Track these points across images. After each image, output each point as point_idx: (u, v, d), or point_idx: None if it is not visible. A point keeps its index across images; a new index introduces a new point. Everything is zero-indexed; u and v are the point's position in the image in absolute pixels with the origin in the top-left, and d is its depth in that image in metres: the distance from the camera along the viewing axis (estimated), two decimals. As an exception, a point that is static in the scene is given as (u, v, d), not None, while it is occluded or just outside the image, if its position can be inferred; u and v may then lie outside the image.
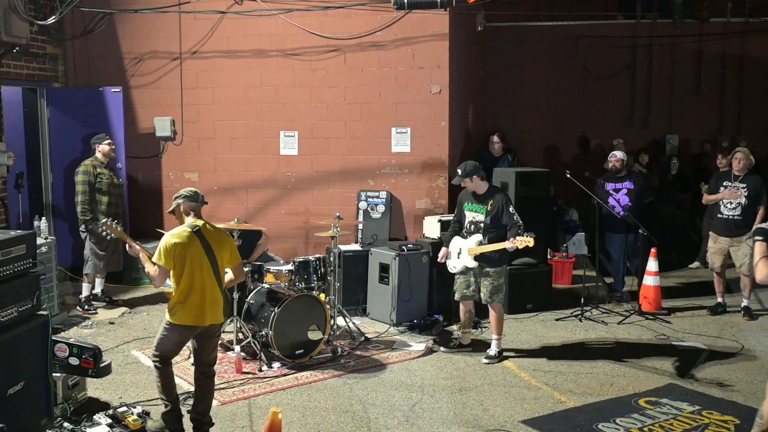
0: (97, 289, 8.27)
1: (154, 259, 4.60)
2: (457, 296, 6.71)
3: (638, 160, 10.86)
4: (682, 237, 11.04)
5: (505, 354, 6.57)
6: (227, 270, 4.92)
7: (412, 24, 8.71)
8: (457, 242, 6.61)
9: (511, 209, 6.32)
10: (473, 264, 6.41)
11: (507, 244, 6.13)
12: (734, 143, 11.38)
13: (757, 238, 4.46)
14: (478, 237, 6.39)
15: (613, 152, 8.59)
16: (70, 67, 9.61)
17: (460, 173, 6.46)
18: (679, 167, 10.98)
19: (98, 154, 8.03)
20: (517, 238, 6.05)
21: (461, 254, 6.51)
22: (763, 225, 4.47)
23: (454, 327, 7.46)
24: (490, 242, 6.32)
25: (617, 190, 8.33)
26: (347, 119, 9.03)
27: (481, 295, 6.51)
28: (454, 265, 6.60)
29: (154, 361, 4.77)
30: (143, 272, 4.92)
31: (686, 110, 12.13)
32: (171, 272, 4.63)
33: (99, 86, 9.27)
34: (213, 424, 4.83)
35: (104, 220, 4.96)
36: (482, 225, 6.41)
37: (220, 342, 6.62)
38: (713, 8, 11.91)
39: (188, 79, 9.38)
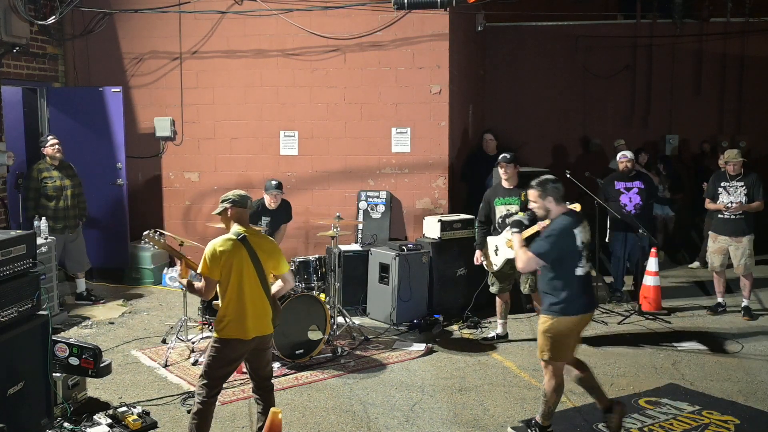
0: (81, 288, 8.27)
1: (199, 270, 4.35)
2: (494, 289, 6.95)
3: (637, 160, 10.81)
4: (674, 236, 11.04)
5: (504, 354, 6.59)
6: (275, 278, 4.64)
7: (412, 24, 8.71)
8: (491, 241, 6.80)
9: None
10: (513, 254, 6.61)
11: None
12: (734, 143, 11.38)
13: (513, 230, 4.65)
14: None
15: (623, 153, 8.51)
16: (70, 67, 9.61)
17: (509, 157, 6.86)
18: (670, 166, 10.93)
19: (46, 157, 7.99)
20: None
21: (498, 250, 6.70)
22: (518, 217, 4.69)
23: (454, 327, 7.47)
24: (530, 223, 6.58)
25: (628, 189, 8.31)
26: (347, 119, 9.02)
27: (526, 286, 6.83)
28: (495, 263, 6.80)
29: (199, 395, 4.34)
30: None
31: (686, 110, 12.13)
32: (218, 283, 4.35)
33: (99, 86, 9.27)
34: None
35: (146, 233, 4.63)
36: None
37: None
38: (713, 8, 11.90)
39: (188, 79, 9.38)
